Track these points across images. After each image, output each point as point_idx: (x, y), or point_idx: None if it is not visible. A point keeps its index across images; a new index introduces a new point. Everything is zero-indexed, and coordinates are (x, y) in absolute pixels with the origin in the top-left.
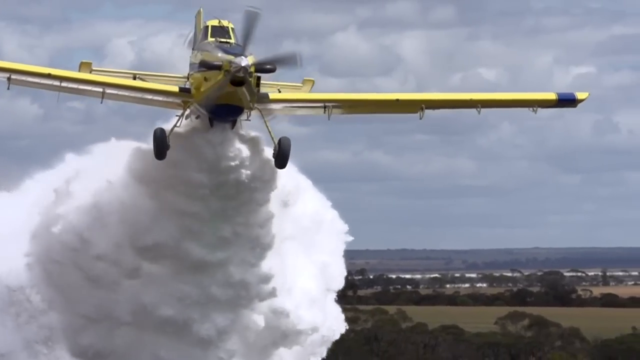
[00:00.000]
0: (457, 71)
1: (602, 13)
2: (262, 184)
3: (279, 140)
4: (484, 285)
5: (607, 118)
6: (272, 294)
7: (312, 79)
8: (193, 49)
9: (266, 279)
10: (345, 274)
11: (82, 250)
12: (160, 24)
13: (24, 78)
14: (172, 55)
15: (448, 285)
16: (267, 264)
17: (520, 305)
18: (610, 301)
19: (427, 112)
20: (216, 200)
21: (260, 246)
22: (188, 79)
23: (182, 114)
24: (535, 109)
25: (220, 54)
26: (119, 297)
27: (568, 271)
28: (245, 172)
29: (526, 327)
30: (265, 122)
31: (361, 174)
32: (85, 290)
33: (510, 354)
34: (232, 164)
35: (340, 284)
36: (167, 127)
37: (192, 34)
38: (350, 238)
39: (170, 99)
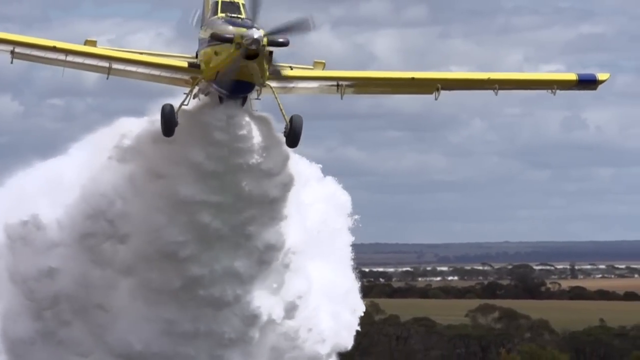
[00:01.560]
0: (429, 69)
1: (571, 12)
2: (273, 162)
3: (291, 118)
4: (455, 278)
5: (575, 115)
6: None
7: (323, 61)
8: (202, 27)
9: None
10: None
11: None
12: (138, 22)
13: (28, 51)
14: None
15: (420, 279)
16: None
17: (490, 298)
18: (578, 294)
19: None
20: (225, 185)
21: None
22: (197, 57)
23: (191, 91)
24: (554, 90)
25: (231, 27)
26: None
27: (537, 265)
28: (255, 149)
29: (496, 320)
30: (276, 99)
31: (335, 170)
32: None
33: (481, 345)
34: (242, 140)
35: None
36: (175, 103)
37: (200, 12)
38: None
39: (178, 75)
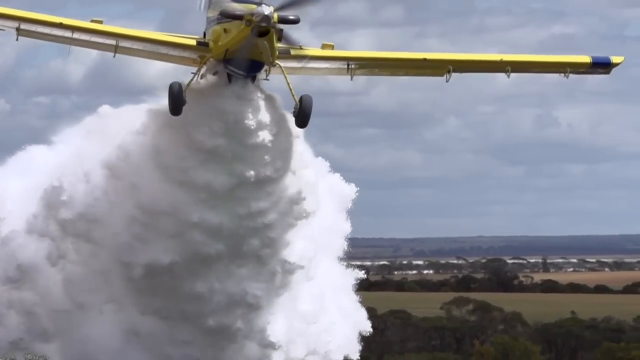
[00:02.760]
0: None
1: (543, 13)
2: (281, 142)
3: (301, 98)
4: (431, 271)
5: (547, 113)
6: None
7: (332, 43)
8: (209, 7)
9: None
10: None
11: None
12: (122, 22)
13: (33, 28)
14: None
15: (396, 272)
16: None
17: (464, 291)
18: (550, 287)
19: (453, 76)
20: (232, 164)
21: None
22: (204, 36)
23: (199, 70)
24: (567, 73)
25: (240, 5)
26: None
27: (510, 258)
28: (264, 129)
29: (470, 312)
30: (286, 78)
31: None
32: None
33: (455, 337)
34: (251, 119)
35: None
36: (183, 82)
37: None
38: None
39: (186, 54)
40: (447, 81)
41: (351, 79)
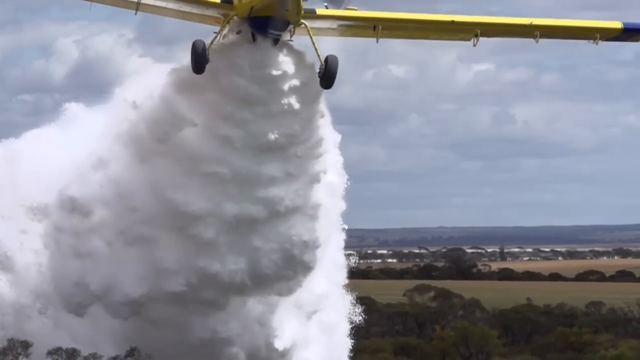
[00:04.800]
0: (370, 68)
1: (501, 15)
2: (307, 100)
3: (326, 59)
4: (394, 260)
5: (504, 110)
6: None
7: (355, 7)
8: None
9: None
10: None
11: None
12: (102, 25)
13: None
14: (112, 52)
15: (362, 261)
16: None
17: (426, 279)
18: (506, 275)
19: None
20: (256, 127)
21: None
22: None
23: (222, 29)
24: (597, 40)
25: None
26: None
27: (469, 248)
28: (289, 89)
29: (432, 299)
30: (311, 38)
31: None
32: None
33: (418, 322)
34: (275, 74)
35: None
36: (206, 40)
37: None
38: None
39: (209, 12)
40: (474, 45)
41: (377, 41)
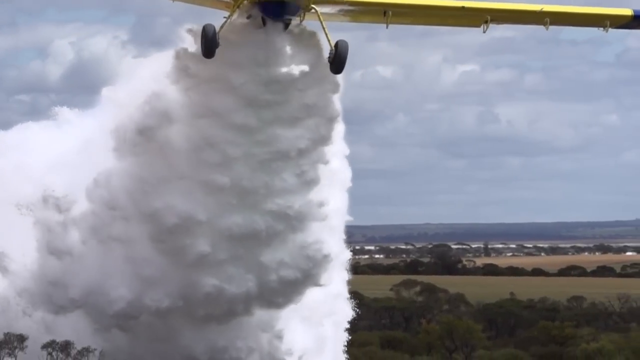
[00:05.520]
0: (358, 69)
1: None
2: (317, 85)
3: (336, 43)
4: (381, 256)
5: (488, 110)
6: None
7: None
8: None
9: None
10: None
11: None
12: (97, 26)
13: None
14: (107, 53)
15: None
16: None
17: (412, 274)
18: (491, 270)
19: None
20: (265, 113)
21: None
22: None
23: (232, 13)
24: (607, 28)
25: None
26: None
27: (454, 244)
28: (299, 74)
29: (418, 293)
30: (321, 23)
31: None
32: None
33: (404, 316)
34: (285, 64)
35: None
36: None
37: None
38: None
39: None
40: (484, 32)
41: (386, 27)
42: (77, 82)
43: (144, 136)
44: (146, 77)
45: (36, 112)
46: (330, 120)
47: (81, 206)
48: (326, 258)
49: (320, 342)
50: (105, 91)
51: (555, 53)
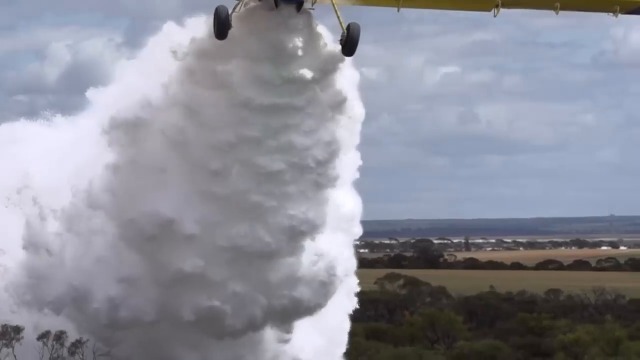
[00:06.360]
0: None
1: (466, 22)
2: (326, 72)
3: (348, 26)
4: (366, 250)
5: (469, 110)
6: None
7: None
8: None
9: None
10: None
11: None
12: (92, 30)
13: None
14: (102, 56)
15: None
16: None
17: (396, 268)
18: (471, 264)
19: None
20: (277, 94)
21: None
22: None
23: None
24: (616, 13)
25: None
26: None
27: (436, 239)
28: (310, 57)
29: (401, 286)
30: (333, 5)
31: None
32: None
33: (388, 309)
34: (296, 47)
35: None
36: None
37: None
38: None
39: None
40: (494, 16)
41: (398, 11)
42: (73, 83)
43: (129, 131)
44: (136, 77)
45: (34, 112)
46: (355, 121)
47: (62, 200)
48: (337, 278)
49: (327, 338)
50: (89, 93)
51: (533, 55)
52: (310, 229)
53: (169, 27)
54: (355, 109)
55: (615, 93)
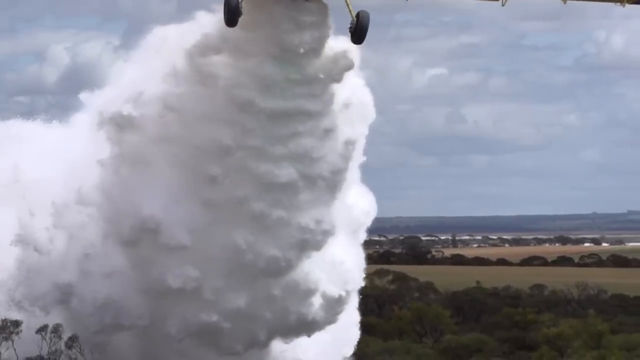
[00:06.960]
0: None
1: (452, 25)
2: (337, 57)
3: (358, 14)
4: None
5: (456, 111)
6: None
7: None
8: None
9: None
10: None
11: None
12: (91, 32)
13: None
14: (100, 58)
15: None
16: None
17: (385, 264)
18: (458, 260)
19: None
20: (287, 77)
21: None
22: None
23: None
24: (624, 3)
25: None
26: None
27: (424, 236)
28: (320, 44)
29: (390, 282)
30: None
31: None
32: None
33: (377, 303)
34: (307, 34)
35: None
36: None
37: None
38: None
39: None
40: (502, 5)
41: (406, 0)
42: (72, 85)
43: (124, 127)
44: (129, 77)
45: (34, 113)
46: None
47: (52, 195)
48: (350, 294)
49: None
50: (82, 95)
51: (518, 58)
52: (322, 238)
53: (159, 30)
54: (368, 108)
55: (598, 94)
